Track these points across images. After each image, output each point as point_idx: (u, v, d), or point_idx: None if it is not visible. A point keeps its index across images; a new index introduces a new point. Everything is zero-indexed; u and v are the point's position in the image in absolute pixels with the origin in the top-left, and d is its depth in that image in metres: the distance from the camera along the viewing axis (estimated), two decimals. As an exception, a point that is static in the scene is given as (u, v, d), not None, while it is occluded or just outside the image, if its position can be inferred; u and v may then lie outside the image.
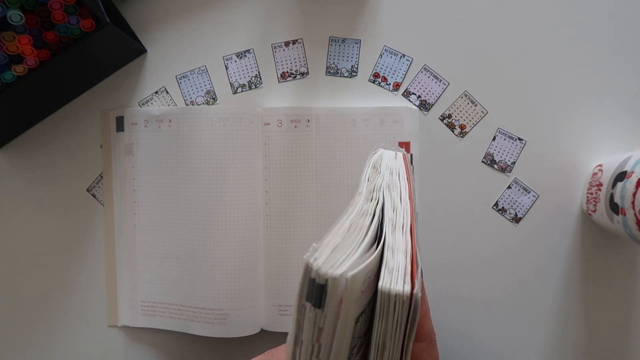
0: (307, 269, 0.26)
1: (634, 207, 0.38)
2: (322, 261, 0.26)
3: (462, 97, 0.50)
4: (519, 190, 0.50)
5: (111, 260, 0.50)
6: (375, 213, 0.31)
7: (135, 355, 0.50)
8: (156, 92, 0.50)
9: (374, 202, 0.32)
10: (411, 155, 0.49)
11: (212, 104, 0.50)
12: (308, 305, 0.27)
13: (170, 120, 0.49)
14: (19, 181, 0.51)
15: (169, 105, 0.50)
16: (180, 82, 0.50)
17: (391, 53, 0.50)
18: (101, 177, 0.51)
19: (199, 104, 0.50)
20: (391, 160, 0.37)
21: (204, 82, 0.50)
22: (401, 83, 0.50)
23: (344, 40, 0.50)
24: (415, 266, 0.27)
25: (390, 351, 0.28)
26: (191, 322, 0.48)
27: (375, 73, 0.50)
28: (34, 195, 0.51)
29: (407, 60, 0.50)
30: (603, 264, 0.49)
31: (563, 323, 0.50)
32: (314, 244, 0.27)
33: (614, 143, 0.49)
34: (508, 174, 0.50)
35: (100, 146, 0.51)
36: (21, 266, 0.51)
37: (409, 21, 0.50)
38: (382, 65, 0.50)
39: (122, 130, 0.50)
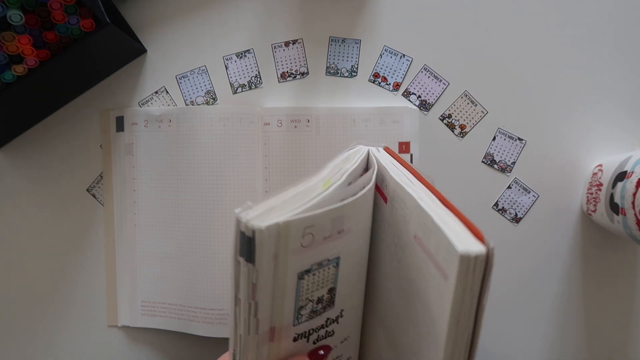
0: (237, 222, 0.26)
1: (634, 207, 0.38)
2: (253, 215, 0.26)
3: (462, 97, 0.50)
4: (519, 190, 0.50)
5: (111, 260, 0.50)
6: (330, 188, 0.30)
7: (135, 355, 0.51)
8: (156, 92, 0.50)
9: (332, 181, 0.31)
10: (411, 155, 0.49)
11: (212, 104, 0.50)
12: (242, 260, 0.27)
13: (170, 120, 0.49)
14: (19, 181, 0.51)
15: (169, 105, 0.50)
16: (180, 82, 0.50)
17: (391, 53, 0.50)
18: (101, 177, 0.51)
19: (199, 104, 0.50)
20: (375, 153, 0.37)
21: (204, 82, 0.50)
22: (401, 83, 0.50)
23: (344, 40, 0.50)
24: (471, 222, 0.27)
25: (466, 315, 0.26)
26: (191, 322, 0.48)
27: (375, 73, 0.50)
28: (34, 195, 0.51)
29: (407, 60, 0.50)
30: (603, 264, 0.49)
31: (563, 322, 0.50)
32: (249, 202, 0.27)
33: (614, 143, 0.49)
34: (508, 174, 0.50)
35: (100, 146, 0.51)
36: (21, 266, 0.51)
37: (409, 21, 0.50)
38: (382, 65, 0.50)
39: (122, 130, 0.50)
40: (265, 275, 0.27)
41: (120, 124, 0.50)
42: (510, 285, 0.49)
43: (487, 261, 0.25)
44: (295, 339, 0.32)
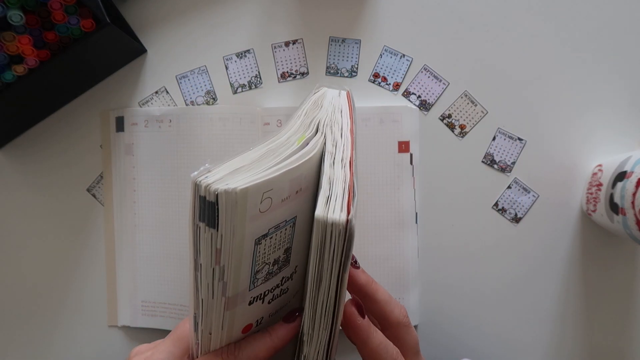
0: (195, 187, 0.25)
1: (633, 207, 0.38)
2: (214, 179, 0.25)
3: (462, 97, 0.50)
4: (519, 190, 0.50)
5: (111, 260, 0.50)
6: (308, 144, 0.29)
7: (135, 355, 0.50)
8: (156, 92, 0.51)
9: (306, 135, 0.30)
10: (411, 154, 0.49)
11: (212, 104, 0.50)
12: (202, 225, 0.26)
13: (170, 121, 0.49)
14: (19, 181, 0.51)
15: (169, 105, 0.50)
16: (180, 82, 0.50)
17: (391, 53, 0.50)
18: (101, 177, 0.51)
19: (199, 104, 0.50)
20: (335, 97, 0.36)
21: (204, 82, 0.50)
22: (401, 83, 0.50)
23: (344, 40, 0.50)
24: (352, 196, 0.27)
25: (326, 283, 0.27)
26: (191, 322, 0.48)
27: (375, 73, 0.50)
28: (34, 195, 0.51)
29: (407, 60, 0.50)
30: (603, 264, 0.49)
31: (563, 322, 0.50)
32: (207, 164, 0.26)
33: (614, 143, 0.49)
34: (508, 174, 0.50)
35: (100, 146, 0.51)
36: (21, 266, 0.51)
37: (409, 21, 0.50)
38: (382, 65, 0.50)
39: (122, 130, 0.50)
40: (228, 240, 0.26)
41: (120, 124, 0.50)
42: (510, 285, 0.49)
43: (345, 233, 0.25)
44: (250, 303, 0.31)
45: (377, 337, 0.31)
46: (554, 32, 0.49)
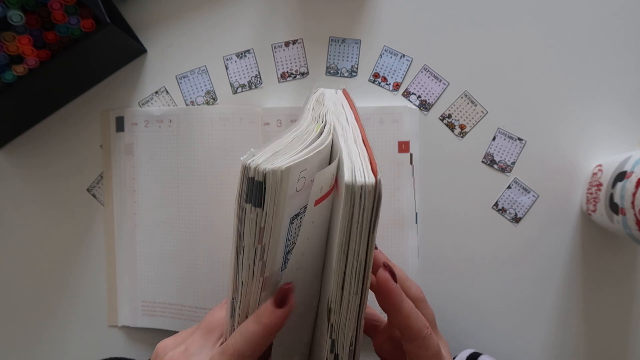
0: (245, 169, 0.27)
1: (633, 207, 0.38)
2: (261, 161, 0.27)
3: (462, 97, 0.50)
4: (519, 190, 0.50)
5: (111, 260, 0.50)
6: (323, 132, 0.32)
7: (135, 355, 0.51)
8: (156, 92, 0.51)
9: (321, 124, 0.33)
10: (410, 154, 0.49)
11: (212, 104, 0.50)
12: (248, 206, 0.28)
13: (170, 121, 0.49)
14: (19, 181, 0.51)
15: (169, 105, 0.50)
16: (180, 82, 0.50)
17: (391, 53, 0.50)
18: (101, 177, 0.51)
19: (199, 104, 0.50)
20: (332, 95, 0.39)
21: (204, 82, 0.50)
22: (401, 83, 0.50)
23: (344, 40, 0.50)
24: (375, 163, 0.28)
25: (356, 246, 0.28)
26: (191, 322, 0.48)
27: (375, 73, 0.50)
28: (34, 195, 0.51)
29: (407, 60, 0.50)
30: (603, 263, 0.49)
31: (563, 323, 0.50)
32: (252, 149, 0.28)
33: (614, 143, 0.49)
34: (508, 174, 0.50)
35: (101, 146, 0.51)
36: (21, 266, 0.51)
37: (409, 21, 0.50)
38: (382, 65, 0.50)
39: (122, 130, 0.50)
40: (270, 219, 0.28)
41: (120, 124, 0.50)
42: (510, 285, 0.49)
43: (375, 193, 0.27)
44: (278, 283, 0.32)
45: (409, 303, 0.31)
46: (554, 32, 0.49)
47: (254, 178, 0.27)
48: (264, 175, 0.27)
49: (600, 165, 0.47)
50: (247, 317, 0.31)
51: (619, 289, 0.50)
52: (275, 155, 0.28)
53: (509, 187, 0.50)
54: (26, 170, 0.51)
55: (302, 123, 0.33)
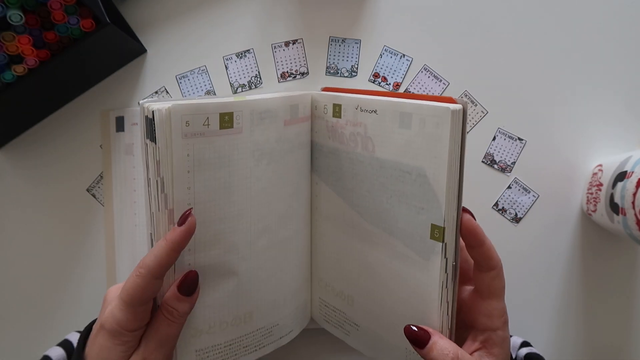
0: (141, 108, 0.34)
1: (634, 207, 0.38)
2: (155, 104, 0.32)
3: (462, 97, 0.50)
4: (519, 190, 0.50)
5: (111, 260, 0.50)
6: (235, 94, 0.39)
7: (135, 355, 0.50)
8: (156, 92, 0.50)
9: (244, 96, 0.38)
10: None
11: (212, 104, 0.50)
12: (148, 142, 0.34)
13: (170, 120, 0.49)
14: (19, 181, 0.51)
15: (169, 105, 0.50)
16: (180, 82, 0.50)
17: (391, 53, 0.50)
18: (101, 177, 0.51)
19: (199, 104, 0.50)
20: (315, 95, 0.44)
21: (204, 82, 0.50)
22: (401, 83, 0.50)
23: (344, 40, 0.50)
24: (446, 98, 0.34)
25: (458, 163, 0.34)
26: (191, 322, 0.48)
27: (375, 73, 0.50)
28: (34, 195, 0.51)
29: (407, 60, 0.50)
30: (603, 263, 0.49)
31: (563, 322, 0.50)
32: (155, 94, 0.36)
33: (614, 143, 0.49)
34: (508, 174, 0.50)
35: (100, 146, 0.51)
36: (21, 266, 0.51)
37: (409, 21, 0.50)
38: (382, 65, 0.50)
39: (122, 130, 0.50)
40: (164, 154, 0.33)
41: (120, 124, 0.50)
42: (510, 285, 0.49)
43: (463, 114, 0.32)
44: None
45: (489, 238, 0.35)
46: (553, 32, 0.49)
47: (147, 116, 0.33)
48: (152, 113, 0.32)
49: (600, 165, 0.47)
50: None
51: (619, 289, 0.49)
52: (172, 103, 0.32)
53: (509, 187, 0.50)
54: (26, 170, 0.51)
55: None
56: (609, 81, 0.49)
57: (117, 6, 0.49)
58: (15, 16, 0.39)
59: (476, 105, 0.50)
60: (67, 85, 0.48)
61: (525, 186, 0.50)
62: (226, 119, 0.34)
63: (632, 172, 0.40)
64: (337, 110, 0.39)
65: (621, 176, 0.41)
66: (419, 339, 0.33)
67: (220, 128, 0.34)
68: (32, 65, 0.42)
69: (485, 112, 0.50)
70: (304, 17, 0.50)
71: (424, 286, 0.35)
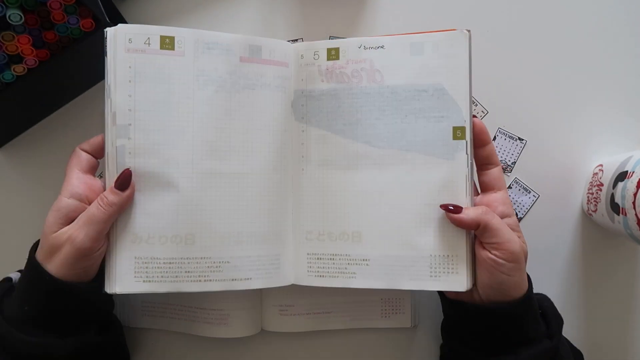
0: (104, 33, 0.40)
1: (634, 207, 0.38)
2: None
3: (462, 97, 0.50)
4: (519, 190, 0.50)
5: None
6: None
7: (135, 355, 0.50)
8: (156, 92, 0.50)
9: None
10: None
11: (212, 104, 0.50)
12: (105, 58, 0.39)
13: (170, 120, 0.49)
14: (19, 181, 0.51)
15: (168, 105, 0.50)
16: (180, 82, 0.50)
17: (391, 53, 0.50)
18: (101, 177, 0.51)
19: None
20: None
21: (203, 82, 0.50)
22: (401, 83, 0.50)
23: (344, 40, 0.50)
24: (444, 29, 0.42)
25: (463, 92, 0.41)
26: (192, 323, 0.48)
27: (375, 73, 0.50)
28: (33, 195, 0.50)
29: (407, 60, 0.50)
30: (603, 264, 0.49)
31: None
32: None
33: (615, 143, 0.49)
34: (508, 174, 0.50)
35: (100, 146, 0.51)
36: (21, 266, 0.51)
37: (408, 21, 0.50)
38: (382, 65, 0.50)
39: (122, 130, 0.50)
40: (110, 64, 0.39)
41: (120, 124, 0.50)
42: (511, 285, 0.49)
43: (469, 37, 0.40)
44: None
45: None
46: (553, 32, 0.49)
47: (103, 36, 0.39)
48: (105, 32, 0.39)
49: (600, 165, 0.47)
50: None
51: (619, 289, 0.49)
52: (125, 24, 0.39)
53: (509, 187, 0.50)
54: (26, 170, 0.51)
55: None
56: (610, 81, 0.49)
57: (116, 6, 0.49)
58: (14, 16, 0.39)
59: (476, 105, 0.50)
60: (67, 85, 0.48)
61: (525, 186, 0.50)
62: (167, 42, 0.39)
63: (633, 172, 0.40)
64: (332, 53, 0.42)
65: (622, 176, 0.41)
66: (455, 207, 0.39)
67: (161, 48, 0.39)
68: (32, 65, 0.42)
69: (486, 112, 0.50)
70: (304, 17, 0.50)
71: (450, 184, 0.40)
